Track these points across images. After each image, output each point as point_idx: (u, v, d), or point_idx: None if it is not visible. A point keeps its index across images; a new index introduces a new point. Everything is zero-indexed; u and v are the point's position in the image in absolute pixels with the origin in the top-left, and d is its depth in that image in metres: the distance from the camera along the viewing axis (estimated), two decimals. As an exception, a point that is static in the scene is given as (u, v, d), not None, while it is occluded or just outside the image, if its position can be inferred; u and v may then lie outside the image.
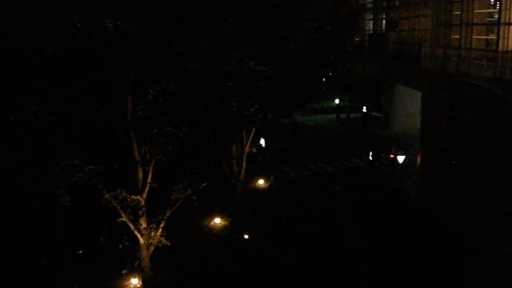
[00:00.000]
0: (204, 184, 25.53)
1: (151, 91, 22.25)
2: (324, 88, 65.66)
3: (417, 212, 34.17)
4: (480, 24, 29.99)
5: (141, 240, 24.23)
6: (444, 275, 23.54)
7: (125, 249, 27.08)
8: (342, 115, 67.24)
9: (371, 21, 60.59)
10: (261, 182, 40.82)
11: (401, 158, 38.73)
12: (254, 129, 32.12)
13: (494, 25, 28.45)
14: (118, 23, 19.59)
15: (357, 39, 61.14)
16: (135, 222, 23.73)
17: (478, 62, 28.86)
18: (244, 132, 32.41)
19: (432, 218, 31.44)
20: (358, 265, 26.54)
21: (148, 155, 23.38)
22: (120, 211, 22.93)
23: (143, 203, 23.55)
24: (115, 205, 22.61)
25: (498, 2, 28.05)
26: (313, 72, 34.83)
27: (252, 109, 28.96)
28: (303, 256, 28.19)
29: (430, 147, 34.86)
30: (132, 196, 22.82)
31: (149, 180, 23.78)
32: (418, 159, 37.54)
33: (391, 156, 41.32)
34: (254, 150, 33.36)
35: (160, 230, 24.26)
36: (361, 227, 31.38)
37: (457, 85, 29.07)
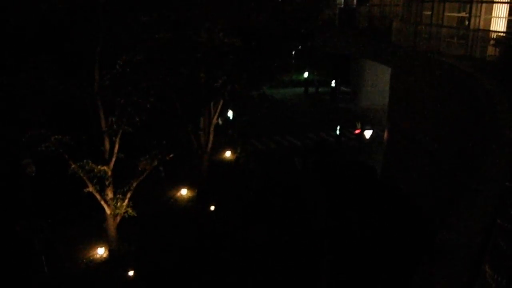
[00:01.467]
0: (171, 156, 25.42)
1: (118, 61, 21.93)
2: (293, 61, 65.60)
3: (382, 187, 34.49)
4: (452, 1, 30.07)
5: (108, 211, 24.12)
6: (408, 249, 23.85)
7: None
8: (311, 89, 67.11)
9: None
10: (228, 154, 40.75)
11: (368, 133, 38.93)
12: (222, 101, 31.93)
13: (467, 3, 28.54)
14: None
15: (328, 13, 60.94)
16: (102, 192, 23.58)
17: (449, 39, 29.00)
18: (211, 104, 32.21)
19: (397, 193, 31.77)
20: (323, 239, 26.78)
21: (115, 126, 23.16)
22: (87, 181, 22.75)
23: (109, 173, 23.41)
24: (81, 175, 22.40)
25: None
26: (282, 45, 34.70)
27: (220, 81, 28.76)
28: (269, 229, 28.33)
29: (397, 123, 35.09)
30: (99, 167, 22.63)
31: (116, 151, 23.60)
32: (385, 134, 37.79)
33: (357, 131, 41.55)
34: (220, 122, 33.21)
35: (126, 200, 24.16)
36: (326, 201, 31.61)
37: (427, 62, 29.21)
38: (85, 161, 22.14)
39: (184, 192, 33.17)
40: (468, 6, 27.85)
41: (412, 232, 25.99)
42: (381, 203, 30.58)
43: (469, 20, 27.00)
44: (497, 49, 25.18)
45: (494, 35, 26.05)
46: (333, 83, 62.24)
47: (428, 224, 24.82)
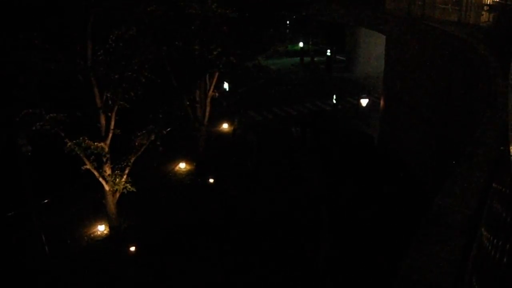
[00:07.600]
0: (168, 129, 25.40)
1: (111, 36, 21.76)
2: (288, 31, 65.10)
3: (379, 155, 34.61)
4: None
5: (106, 187, 24.13)
6: (404, 216, 23.96)
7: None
8: (306, 59, 66.71)
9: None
10: (225, 126, 40.75)
11: (364, 102, 38.96)
12: (217, 73, 31.80)
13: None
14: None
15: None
16: (100, 169, 23.57)
17: (443, 6, 28.88)
18: (207, 76, 32.08)
19: (394, 161, 31.90)
20: (321, 207, 26.95)
21: (110, 101, 23.06)
22: (84, 158, 22.68)
23: (106, 149, 23.33)
24: (78, 153, 22.32)
25: None
26: (276, 15, 34.46)
27: (215, 53, 28.60)
28: (268, 199, 28.45)
29: (393, 91, 35.08)
30: (96, 143, 22.56)
31: (112, 127, 23.50)
32: (381, 102, 37.80)
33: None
34: (216, 94, 33.11)
35: (125, 176, 24.14)
36: (325, 169, 31.73)
37: (422, 29, 29.10)
38: (81, 138, 22.05)
39: (182, 165, 33.23)
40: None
41: (408, 196, 26.17)
42: (378, 170, 30.74)
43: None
44: (491, 15, 25.10)
45: (488, 1, 25.96)
46: (328, 52, 61.99)
47: (423, 190, 25.00)
